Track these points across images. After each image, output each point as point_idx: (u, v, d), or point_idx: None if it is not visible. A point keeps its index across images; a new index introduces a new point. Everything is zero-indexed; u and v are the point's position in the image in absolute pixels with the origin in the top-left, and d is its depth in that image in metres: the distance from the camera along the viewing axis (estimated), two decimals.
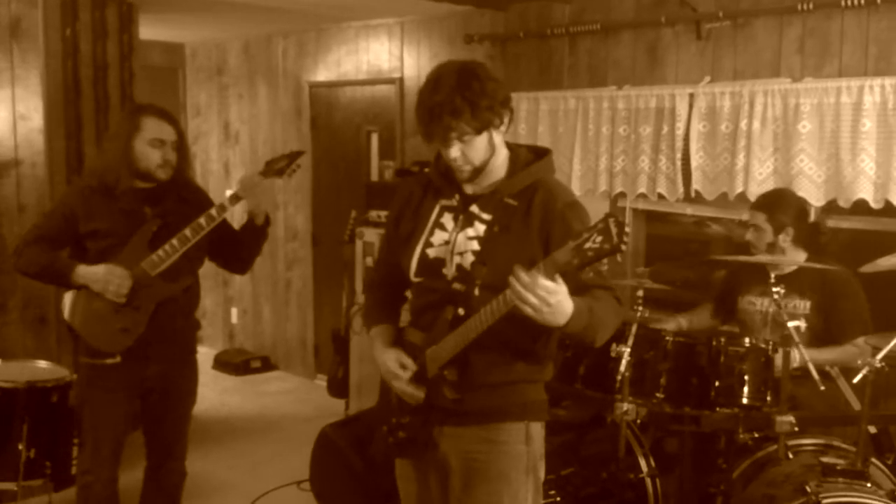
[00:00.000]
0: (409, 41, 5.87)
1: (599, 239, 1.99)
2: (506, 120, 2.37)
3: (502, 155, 2.42)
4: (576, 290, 2.17)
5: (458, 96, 2.25)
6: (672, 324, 3.96)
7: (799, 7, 4.01)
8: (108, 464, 3.28)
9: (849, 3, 3.86)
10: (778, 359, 3.27)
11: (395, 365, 2.43)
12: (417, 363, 2.41)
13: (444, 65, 2.37)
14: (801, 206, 3.79)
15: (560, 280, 2.08)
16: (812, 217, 4.02)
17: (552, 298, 2.07)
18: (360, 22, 6.10)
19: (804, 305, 3.60)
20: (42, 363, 3.86)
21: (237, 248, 3.42)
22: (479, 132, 2.30)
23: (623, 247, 1.98)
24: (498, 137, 2.37)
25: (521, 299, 2.07)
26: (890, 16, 3.83)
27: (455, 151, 2.32)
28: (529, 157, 2.46)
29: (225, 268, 3.57)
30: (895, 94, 3.73)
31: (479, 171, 2.38)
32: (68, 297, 3.27)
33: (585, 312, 2.17)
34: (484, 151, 2.34)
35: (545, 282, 2.05)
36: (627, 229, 2.00)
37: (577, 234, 2.03)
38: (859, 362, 2.94)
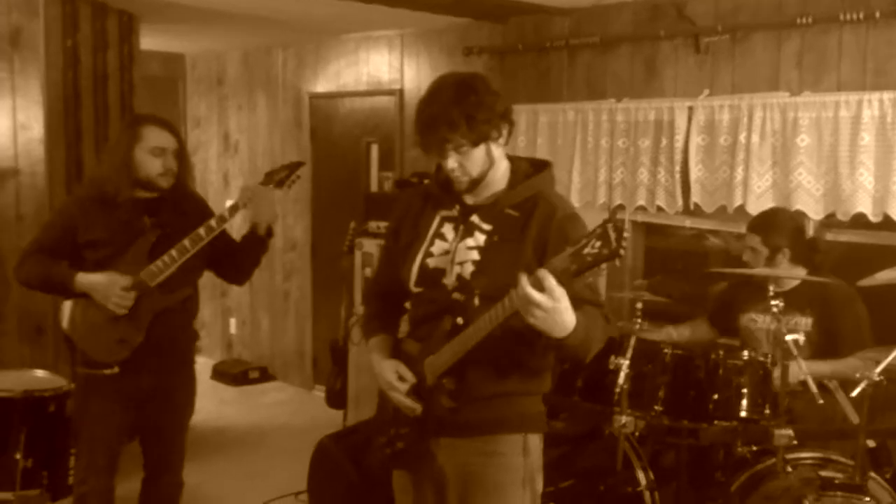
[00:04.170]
0: (408, 53, 5.89)
1: (598, 244, 1.95)
2: (504, 132, 2.38)
3: (502, 167, 2.43)
4: (570, 302, 2.14)
5: (454, 109, 2.26)
6: (662, 334, 3.95)
7: (797, 21, 4.02)
8: (104, 474, 3.27)
9: (847, 17, 3.87)
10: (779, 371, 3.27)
11: (394, 376, 2.42)
12: (416, 375, 2.40)
13: (443, 77, 2.38)
14: (797, 224, 3.78)
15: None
16: (810, 230, 4.02)
17: (560, 304, 2.03)
18: (359, 34, 6.12)
19: (805, 322, 3.59)
20: (39, 373, 3.86)
21: (237, 258, 3.42)
22: (475, 144, 2.31)
23: (622, 251, 1.93)
24: (497, 150, 2.38)
25: (527, 300, 2.02)
26: (888, 30, 3.84)
27: (452, 162, 2.33)
28: (530, 170, 2.46)
29: (223, 278, 3.56)
30: (893, 109, 3.74)
31: (476, 183, 2.38)
32: (66, 308, 3.27)
33: (582, 329, 2.15)
34: (482, 163, 2.35)
35: (553, 284, 2.00)
36: (626, 234, 1.95)
37: (576, 240, 2.00)
38: (857, 375, 2.94)
